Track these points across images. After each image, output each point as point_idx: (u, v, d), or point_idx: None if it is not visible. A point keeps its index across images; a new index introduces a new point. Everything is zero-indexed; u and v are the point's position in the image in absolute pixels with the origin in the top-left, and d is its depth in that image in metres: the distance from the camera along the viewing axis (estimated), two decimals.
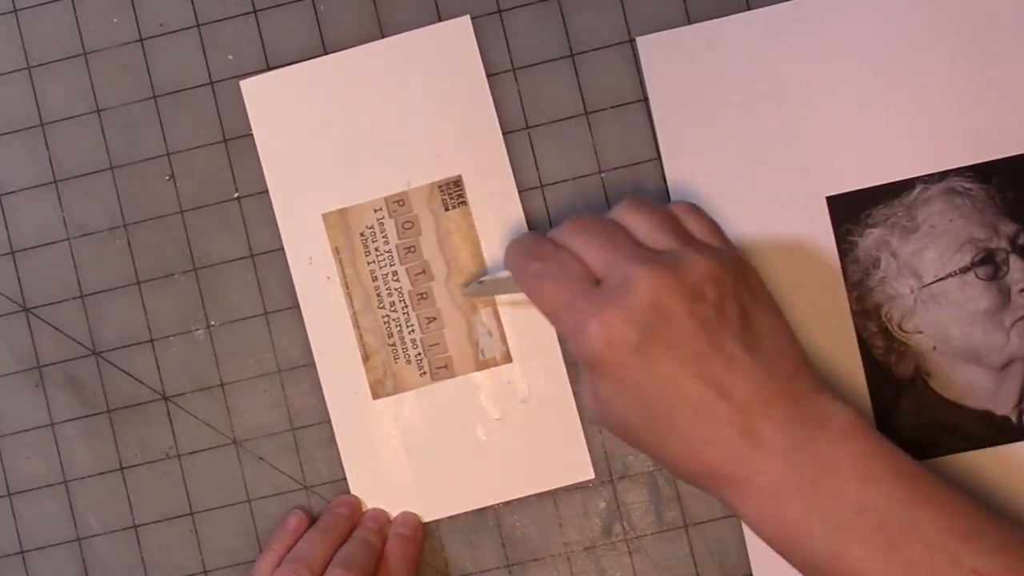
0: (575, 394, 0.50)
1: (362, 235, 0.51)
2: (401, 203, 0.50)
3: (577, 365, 0.49)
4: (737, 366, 0.40)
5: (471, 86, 0.50)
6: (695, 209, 0.45)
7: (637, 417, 0.42)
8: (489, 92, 0.50)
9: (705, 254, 0.42)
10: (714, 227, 0.45)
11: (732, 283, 0.42)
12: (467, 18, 0.50)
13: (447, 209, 0.50)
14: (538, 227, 0.50)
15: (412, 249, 0.50)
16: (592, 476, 0.50)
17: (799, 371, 0.42)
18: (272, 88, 0.51)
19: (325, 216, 0.51)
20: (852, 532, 0.39)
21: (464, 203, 0.50)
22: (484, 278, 0.48)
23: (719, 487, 0.41)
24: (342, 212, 0.51)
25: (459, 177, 0.50)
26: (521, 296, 0.45)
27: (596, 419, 0.44)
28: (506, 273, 0.46)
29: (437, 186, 0.50)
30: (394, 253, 0.50)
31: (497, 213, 0.50)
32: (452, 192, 0.50)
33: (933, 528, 0.38)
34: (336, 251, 0.51)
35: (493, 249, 0.50)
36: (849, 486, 0.39)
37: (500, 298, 0.50)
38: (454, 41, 0.50)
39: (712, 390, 0.40)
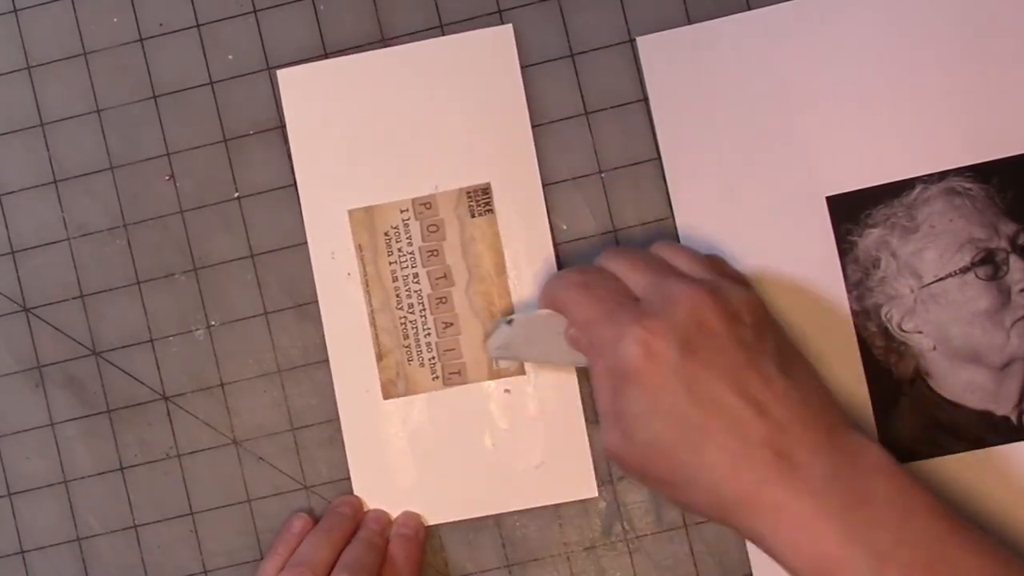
0: (585, 412, 0.50)
1: (386, 235, 0.51)
2: (428, 206, 0.50)
3: (594, 402, 0.47)
4: (775, 387, 0.41)
5: (508, 96, 0.50)
6: (724, 260, 0.48)
7: (671, 432, 0.41)
8: (525, 103, 0.50)
9: (741, 286, 0.44)
10: (743, 276, 0.48)
11: (766, 314, 0.43)
12: (509, 27, 0.50)
13: (473, 216, 0.50)
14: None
15: (435, 253, 0.50)
16: (596, 495, 0.50)
17: (830, 406, 0.42)
18: (309, 80, 0.51)
19: (351, 212, 0.51)
20: (891, 562, 0.38)
21: (491, 211, 0.50)
22: (512, 316, 0.47)
23: (752, 515, 0.40)
24: (368, 210, 0.51)
25: (488, 185, 0.50)
26: (550, 357, 0.46)
27: (617, 447, 0.42)
28: (538, 312, 0.45)
29: (465, 192, 0.50)
30: (417, 255, 0.50)
31: (523, 224, 0.50)
32: (480, 199, 0.50)
33: (968, 565, 0.38)
34: (359, 248, 0.51)
35: (516, 258, 0.50)
36: (887, 516, 0.39)
37: (528, 365, 0.49)
38: (495, 49, 0.50)
39: (751, 406, 0.40)
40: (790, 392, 0.41)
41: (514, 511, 0.50)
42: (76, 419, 0.51)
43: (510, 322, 0.47)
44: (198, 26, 0.52)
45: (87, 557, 0.51)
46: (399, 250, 0.51)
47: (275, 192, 0.51)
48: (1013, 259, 0.48)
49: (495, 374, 0.50)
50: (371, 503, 0.50)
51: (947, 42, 0.49)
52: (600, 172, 0.50)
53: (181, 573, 0.51)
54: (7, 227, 0.52)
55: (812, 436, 0.40)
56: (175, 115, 0.52)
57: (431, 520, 0.50)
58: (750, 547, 0.49)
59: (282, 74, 0.51)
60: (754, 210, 0.49)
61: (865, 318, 0.49)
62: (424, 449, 0.50)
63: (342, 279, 0.51)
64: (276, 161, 0.51)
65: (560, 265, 0.50)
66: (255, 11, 0.52)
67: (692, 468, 0.41)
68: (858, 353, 0.49)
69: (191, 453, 0.51)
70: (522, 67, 0.51)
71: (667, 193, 0.50)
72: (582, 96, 0.51)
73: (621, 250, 0.46)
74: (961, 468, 0.48)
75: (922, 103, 0.49)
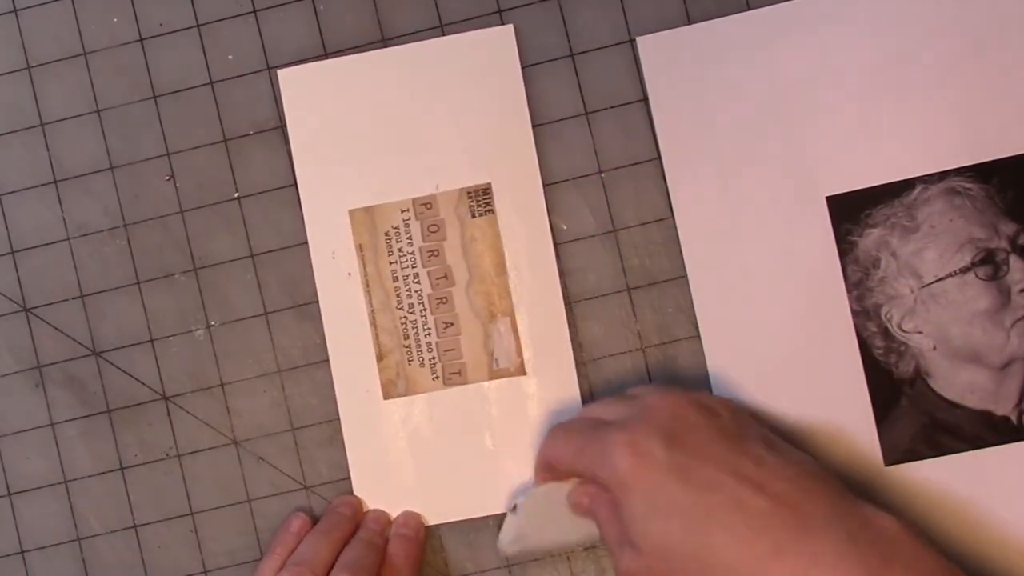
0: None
1: (387, 234, 0.51)
2: (428, 206, 0.50)
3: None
4: (767, 465, 0.41)
5: (508, 96, 0.50)
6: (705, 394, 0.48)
7: (675, 527, 0.40)
8: (526, 103, 0.50)
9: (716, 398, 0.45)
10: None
11: (745, 413, 0.44)
12: (510, 27, 0.50)
13: (474, 216, 0.50)
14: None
15: (435, 253, 0.50)
16: None
17: (831, 481, 0.42)
18: (310, 80, 0.51)
19: (352, 212, 0.51)
20: None
21: (491, 211, 0.50)
22: (515, 502, 0.47)
23: None
24: (369, 210, 0.51)
25: (488, 185, 0.50)
26: (564, 536, 0.46)
27: (632, 566, 0.42)
28: (538, 488, 0.47)
29: (466, 192, 0.50)
30: (417, 255, 0.50)
31: (523, 224, 0.50)
32: (480, 199, 0.50)
33: None
34: (360, 248, 0.51)
35: (517, 258, 0.50)
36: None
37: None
38: (496, 49, 0.50)
39: (747, 484, 0.40)
40: (786, 468, 0.41)
41: None
42: (76, 419, 0.51)
43: (514, 508, 0.47)
44: (198, 26, 0.52)
45: (87, 557, 0.51)
46: (399, 250, 0.51)
47: (275, 192, 0.51)
48: (1013, 259, 0.48)
49: (495, 374, 0.50)
50: (371, 503, 0.50)
51: (947, 43, 0.49)
52: (600, 172, 0.50)
53: (181, 573, 0.51)
54: (7, 227, 0.52)
55: (816, 506, 0.40)
56: (175, 115, 0.52)
57: (431, 520, 0.50)
58: None
59: (282, 74, 0.51)
60: (754, 210, 0.49)
61: (865, 318, 0.49)
62: (424, 449, 0.50)
63: (342, 279, 0.51)
64: (276, 161, 0.51)
65: (560, 265, 0.50)
66: (255, 11, 0.52)
67: (707, 555, 0.40)
68: (858, 353, 0.49)
69: (191, 453, 0.51)
70: (522, 67, 0.51)
71: (667, 193, 0.50)
72: (582, 96, 0.51)
73: (598, 402, 0.47)
74: (961, 468, 0.48)
75: (922, 103, 0.49)
